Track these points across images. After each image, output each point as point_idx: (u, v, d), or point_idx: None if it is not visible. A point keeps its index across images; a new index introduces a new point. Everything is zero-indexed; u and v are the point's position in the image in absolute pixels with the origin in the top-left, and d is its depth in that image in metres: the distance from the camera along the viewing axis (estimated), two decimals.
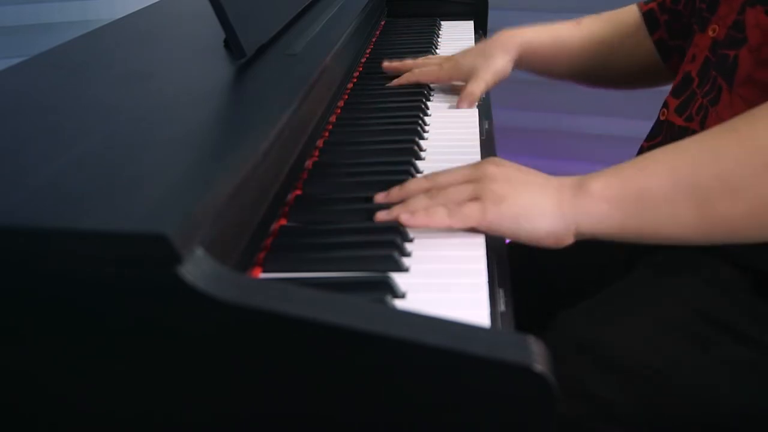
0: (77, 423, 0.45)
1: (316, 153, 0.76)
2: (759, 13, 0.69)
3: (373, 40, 1.21)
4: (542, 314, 0.70)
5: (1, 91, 0.68)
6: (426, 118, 0.87)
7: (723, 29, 0.73)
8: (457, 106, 0.92)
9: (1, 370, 0.45)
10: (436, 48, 1.19)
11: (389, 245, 0.57)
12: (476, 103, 0.93)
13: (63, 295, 0.42)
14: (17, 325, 0.43)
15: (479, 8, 1.38)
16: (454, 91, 0.99)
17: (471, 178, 0.61)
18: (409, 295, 0.52)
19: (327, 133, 0.81)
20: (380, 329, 0.41)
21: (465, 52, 0.99)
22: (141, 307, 0.42)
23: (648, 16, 0.93)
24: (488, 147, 0.80)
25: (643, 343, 0.64)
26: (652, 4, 0.93)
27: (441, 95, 0.97)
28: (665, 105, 0.81)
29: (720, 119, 0.71)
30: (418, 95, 0.93)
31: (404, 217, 0.60)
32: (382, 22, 1.35)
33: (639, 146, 0.85)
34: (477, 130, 0.84)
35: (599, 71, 1.01)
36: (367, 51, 1.15)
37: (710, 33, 0.75)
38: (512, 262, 0.60)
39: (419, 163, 0.73)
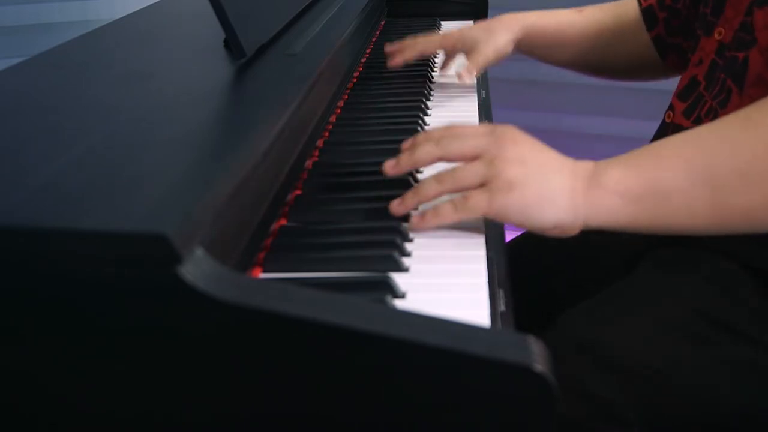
0: (77, 423, 0.45)
1: (316, 153, 0.76)
2: (767, 13, 0.69)
3: (373, 40, 1.21)
4: (542, 314, 0.71)
5: (1, 91, 0.68)
6: (426, 118, 0.87)
7: (730, 32, 0.73)
8: (457, 75, 0.92)
9: (1, 370, 0.45)
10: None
11: (389, 245, 0.57)
12: (475, 75, 0.93)
13: (63, 295, 0.42)
14: (17, 325, 0.43)
15: (479, 8, 1.38)
16: (454, 91, 0.99)
17: (484, 151, 0.59)
18: (409, 295, 0.52)
19: (327, 133, 0.81)
20: (380, 329, 0.41)
21: (471, 26, 1.00)
22: (141, 307, 0.42)
23: (647, 13, 0.93)
24: None
25: (643, 342, 0.64)
26: (652, 1, 0.93)
27: (441, 95, 0.97)
28: (671, 108, 0.80)
29: None
30: (418, 95, 0.93)
31: (414, 222, 0.60)
32: (382, 22, 1.35)
33: (639, 147, 0.85)
34: None
35: (598, 61, 1.01)
36: (367, 51, 1.15)
37: (716, 36, 0.75)
38: (512, 262, 0.60)
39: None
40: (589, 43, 0.99)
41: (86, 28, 0.92)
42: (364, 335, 0.41)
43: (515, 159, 0.58)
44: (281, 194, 0.63)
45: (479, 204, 0.57)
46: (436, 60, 1.12)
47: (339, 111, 0.89)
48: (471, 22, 1.36)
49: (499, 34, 0.96)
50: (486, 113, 0.91)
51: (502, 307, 0.52)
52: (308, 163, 0.73)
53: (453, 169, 0.60)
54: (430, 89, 0.98)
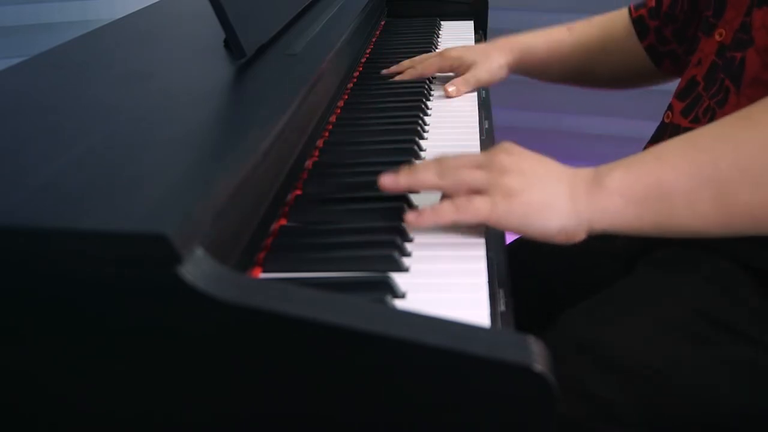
0: (77, 423, 0.45)
1: (316, 153, 0.76)
2: (766, 13, 0.69)
3: (373, 40, 1.21)
4: (542, 314, 0.71)
5: (1, 91, 0.68)
6: (426, 118, 0.87)
7: (730, 33, 0.73)
8: (444, 89, 0.96)
9: (1, 370, 0.45)
10: (436, 48, 1.19)
11: (389, 245, 0.57)
12: (462, 93, 0.97)
13: (63, 295, 0.42)
14: (17, 325, 0.43)
15: (479, 8, 1.38)
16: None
17: (482, 164, 0.59)
18: (409, 295, 0.52)
19: (327, 133, 0.81)
20: (380, 329, 0.41)
21: (469, 48, 1.02)
22: (141, 307, 0.42)
23: (637, 23, 0.94)
24: (488, 147, 0.80)
25: (643, 342, 0.64)
26: (642, 11, 0.94)
27: (441, 95, 0.97)
28: (670, 108, 0.81)
29: None
30: (418, 95, 0.93)
31: (411, 218, 0.59)
32: (382, 22, 1.35)
33: (640, 147, 0.85)
34: (477, 130, 0.84)
35: (591, 75, 1.03)
36: (367, 51, 1.15)
37: (717, 37, 0.75)
38: (512, 262, 0.60)
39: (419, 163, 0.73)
40: (579, 59, 1.00)
41: (86, 28, 0.92)
42: (364, 335, 0.41)
43: (514, 169, 0.58)
44: (281, 194, 0.63)
45: (481, 209, 0.57)
46: None
47: (339, 111, 0.89)
48: (471, 23, 1.37)
49: (493, 58, 0.99)
50: (486, 113, 0.91)
51: (502, 307, 0.52)
52: (308, 163, 0.73)
53: (453, 167, 0.60)
54: (430, 89, 0.98)
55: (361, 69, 1.05)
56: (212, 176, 0.48)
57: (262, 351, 0.42)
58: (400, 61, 1.07)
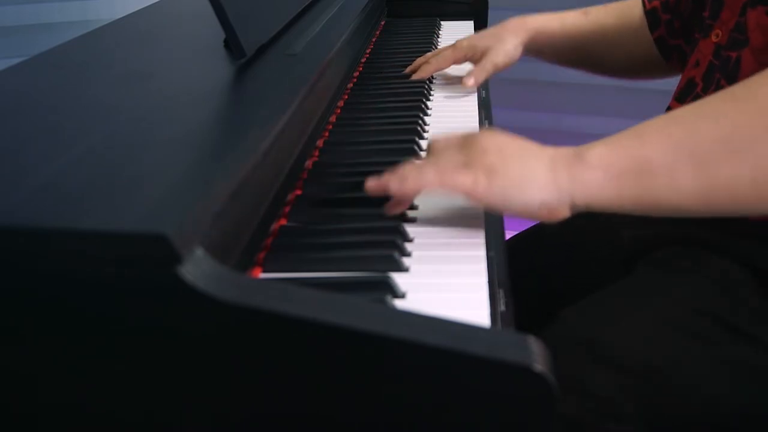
0: (77, 423, 0.45)
1: (316, 153, 0.76)
2: (760, 14, 0.69)
3: (373, 40, 1.21)
4: (542, 314, 0.70)
5: (1, 91, 0.68)
6: (426, 118, 0.88)
7: (725, 33, 0.74)
8: (463, 82, 0.95)
9: (1, 370, 0.45)
10: (436, 48, 1.19)
11: (389, 245, 0.57)
12: (482, 81, 0.96)
13: (63, 295, 0.42)
14: (17, 325, 0.43)
15: (479, 8, 1.38)
16: (454, 91, 0.99)
17: (463, 146, 0.60)
18: (409, 295, 0.52)
19: (327, 133, 0.81)
20: (380, 329, 0.41)
21: (480, 34, 1.02)
22: (141, 307, 0.42)
23: (650, 15, 0.94)
24: None
25: (643, 342, 0.64)
26: (656, 2, 0.93)
27: (441, 95, 0.97)
28: (668, 110, 0.81)
29: None
30: (418, 95, 0.93)
31: (394, 185, 0.59)
32: (382, 22, 1.35)
33: None
34: (477, 129, 0.84)
35: (603, 61, 1.02)
36: (367, 51, 1.15)
37: (713, 38, 0.75)
38: (512, 261, 0.60)
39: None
40: (593, 44, 1.00)
41: (86, 28, 0.92)
42: (364, 335, 0.41)
43: (493, 148, 0.59)
44: (281, 194, 0.63)
45: (465, 182, 0.57)
46: None
47: (339, 111, 0.89)
48: (471, 23, 1.37)
49: (507, 40, 0.99)
50: (486, 113, 0.91)
51: (502, 307, 0.52)
52: (308, 163, 0.73)
53: (434, 157, 0.60)
54: (430, 89, 0.98)
55: (361, 69, 1.05)
56: (212, 176, 0.48)
57: (262, 351, 0.42)
58: (400, 61, 1.07)
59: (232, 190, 0.49)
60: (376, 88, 0.97)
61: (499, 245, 0.60)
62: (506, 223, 0.65)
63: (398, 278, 0.53)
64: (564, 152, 0.58)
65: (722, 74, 0.72)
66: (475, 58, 1.00)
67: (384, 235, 0.59)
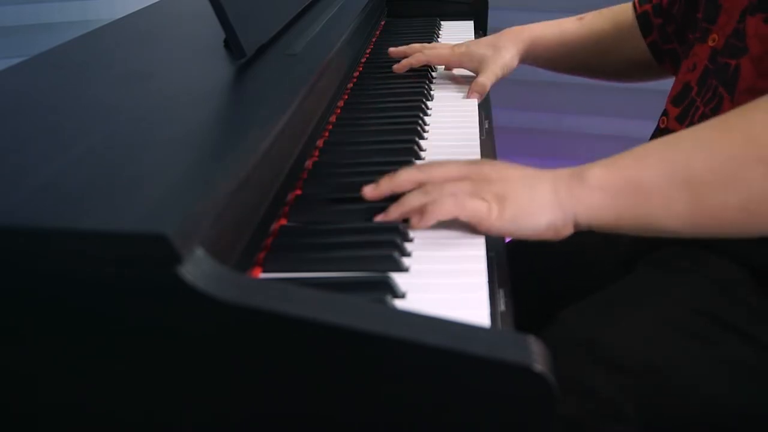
0: (77, 423, 0.45)
1: (316, 153, 0.76)
2: (759, 21, 0.69)
3: (373, 40, 1.21)
4: (542, 314, 0.70)
5: (1, 91, 0.68)
6: (426, 118, 0.87)
7: (722, 38, 0.74)
8: (468, 96, 0.95)
9: (1, 370, 0.45)
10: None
11: (389, 245, 0.57)
12: (484, 95, 0.96)
13: (63, 295, 0.42)
14: (17, 325, 0.43)
15: (479, 8, 1.38)
16: (454, 91, 0.99)
17: (467, 175, 0.60)
18: (409, 295, 0.52)
19: (327, 133, 0.81)
20: (380, 329, 0.41)
21: (476, 42, 1.02)
22: (141, 307, 0.42)
23: (642, 19, 0.94)
24: (488, 147, 0.80)
25: (643, 342, 0.64)
26: (647, 6, 0.94)
27: (441, 95, 0.97)
28: (665, 113, 0.81)
29: None
30: (418, 95, 0.93)
31: (414, 221, 0.60)
32: (382, 22, 1.35)
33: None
34: (477, 129, 0.84)
35: (598, 65, 1.03)
36: (367, 51, 1.15)
37: (710, 43, 0.75)
38: (512, 262, 0.60)
39: (419, 163, 0.73)
40: (589, 50, 1.01)
41: (86, 28, 0.92)
42: (364, 335, 0.41)
43: (497, 177, 0.60)
44: (281, 194, 0.63)
45: (479, 209, 0.58)
46: None
47: (339, 111, 0.89)
48: (471, 23, 1.36)
49: (504, 49, 0.99)
50: (486, 113, 0.91)
51: (502, 307, 0.52)
52: (308, 163, 0.73)
53: (437, 182, 0.60)
54: (430, 89, 0.98)
55: (361, 69, 1.05)
56: (212, 176, 0.48)
57: (262, 351, 0.42)
58: (400, 61, 1.07)
59: (232, 190, 0.49)
60: (376, 88, 0.97)
61: (499, 245, 0.60)
62: None
63: (398, 278, 0.53)
64: (564, 173, 0.60)
65: (719, 81, 0.72)
66: (470, 66, 1.00)
67: (384, 235, 0.59)
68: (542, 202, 0.58)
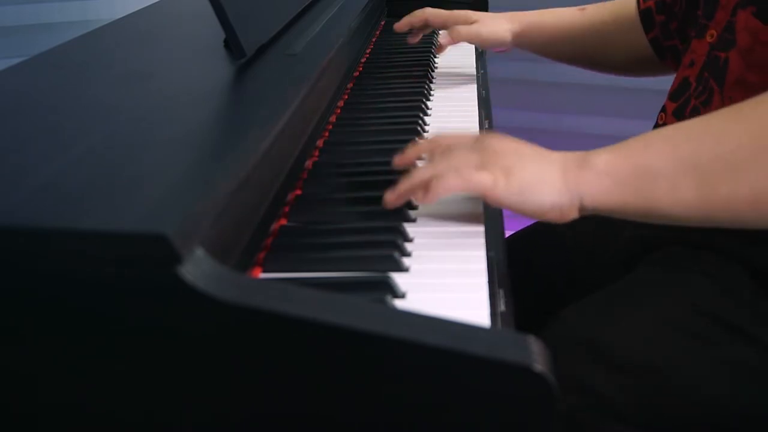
0: (77, 423, 0.45)
1: (316, 153, 0.76)
2: (748, 14, 0.69)
3: (373, 40, 1.21)
4: (542, 314, 0.70)
5: (1, 91, 0.68)
6: (426, 118, 0.88)
7: (718, 33, 0.74)
8: (440, 40, 1.02)
9: (1, 370, 0.45)
10: (436, 48, 1.19)
11: (389, 245, 0.57)
12: (456, 42, 1.02)
13: (63, 295, 0.42)
14: (17, 325, 0.43)
15: (479, 8, 1.38)
16: (454, 91, 0.99)
17: (474, 148, 0.60)
18: (409, 295, 0.52)
19: (327, 133, 0.81)
20: (380, 329, 0.41)
21: (476, 12, 1.06)
22: (141, 307, 0.42)
23: (644, 15, 0.94)
24: None
25: (644, 342, 0.64)
26: (650, 3, 0.93)
27: (441, 95, 0.97)
28: (663, 109, 0.81)
29: None
30: (418, 95, 0.93)
31: (419, 196, 0.60)
32: (382, 22, 1.35)
33: None
34: (477, 130, 0.85)
35: (597, 58, 1.04)
36: (367, 51, 1.15)
37: (708, 38, 0.76)
38: (511, 260, 0.60)
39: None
40: (589, 41, 1.01)
41: (86, 28, 0.92)
42: (364, 335, 0.41)
43: (506, 151, 0.60)
44: (281, 194, 0.63)
45: (484, 181, 0.58)
46: (436, 61, 1.12)
47: (339, 111, 0.89)
48: None
49: (500, 22, 1.03)
50: (486, 113, 0.91)
51: (502, 307, 0.52)
52: (308, 163, 0.73)
53: (448, 155, 0.60)
54: (430, 89, 0.98)
55: (361, 69, 1.05)
56: (212, 176, 0.48)
57: (262, 351, 0.42)
58: (400, 61, 1.07)
59: (232, 190, 0.49)
60: (376, 88, 0.97)
61: (499, 245, 0.60)
62: (505, 222, 0.66)
63: (398, 278, 0.53)
64: (573, 156, 0.60)
65: (710, 74, 0.72)
66: (465, 25, 1.03)
67: (384, 235, 0.59)
68: (549, 180, 0.58)
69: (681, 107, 0.77)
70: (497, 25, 1.02)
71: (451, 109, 0.92)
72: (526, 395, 0.41)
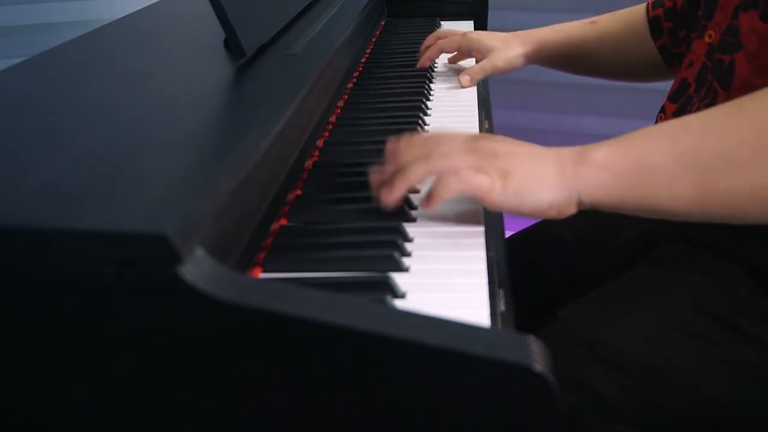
0: (77, 423, 0.45)
1: (316, 153, 0.76)
2: (753, 17, 0.69)
3: (373, 40, 1.21)
4: (542, 314, 0.70)
5: (1, 91, 0.68)
6: (426, 118, 0.88)
7: (718, 34, 0.74)
8: (459, 77, 0.99)
9: (1, 370, 0.45)
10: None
11: (389, 245, 0.57)
12: (477, 81, 0.99)
13: (63, 295, 0.42)
14: (17, 325, 0.43)
15: (479, 8, 1.38)
16: (454, 91, 0.99)
17: (469, 149, 0.60)
18: (409, 295, 0.52)
19: (327, 133, 0.81)
20: (380, 329, 0.41)
21: (489, 34, 1.05)
22: (141, 307, 0.42)
23: (653, 23, 0.95)
24: None
25: (643, 341, 0.64)
26: (659, 10, 0.94)
27: (441, 95, 0.97)
28: (662, 110, 0.81)
29: None
30: (418, 95, 0.93)
31: (423, 205, 0.60)
32: (382, 22, 1.35)
33: None
34: (477, 130, 0.85)
35: (607, 67, 1.05)
36: (367, 51, 1.15)
37: (707, 39, 0.76)
38: (511, 260, 0.60)
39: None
40: (599, 53, 1.02)
41: (86, 28, 0.92)
42: (364, 335, 0.41)
43: (501, 152, 0.59)
44: (281, 194, 0.63)
45: (483, 184, 0.57)
46: (436, 61, 1.12)
47: (339, 111, 0.89)
48: (471, 23, 1.37)
49: (513, 47, 1.02)
50: (486, 113, 0.91)
51: (502, 307, 0.52)
52: (308, 163, 0.73)
53: (444, 155, 0.60)
54: (430, 89, 0.98)
55: (361, 69, 1.05)
56: (212, 176, 0.48)
57: (262, 351, 0.42)
58: (400, 61, 1.07)
59: (232, 190, 0.49)
60: (376, 88, 0.97)
61: (499, 245, 0.60)
62: (506, 222, 0.66)
63: (398, 278, 0.53)
64: (570, 151, 0.59)
65: (714, 77, 0.72)
66: (478, 55, 1.03)
67: (384, 235, 0.59)
68: (546, 179, 0.58)
69: (681, 108, 0.77)
70: (510, 51, 1.01)
71: (451, 109, 0.92)
72: (526, 395, 0.41)
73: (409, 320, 0.42)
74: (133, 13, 1.01)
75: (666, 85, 0.88)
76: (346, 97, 0.94)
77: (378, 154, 0.76)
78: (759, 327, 0.65)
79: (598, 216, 0.62)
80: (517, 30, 1.05)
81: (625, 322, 0.66)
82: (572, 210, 0.59)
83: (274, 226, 0.61)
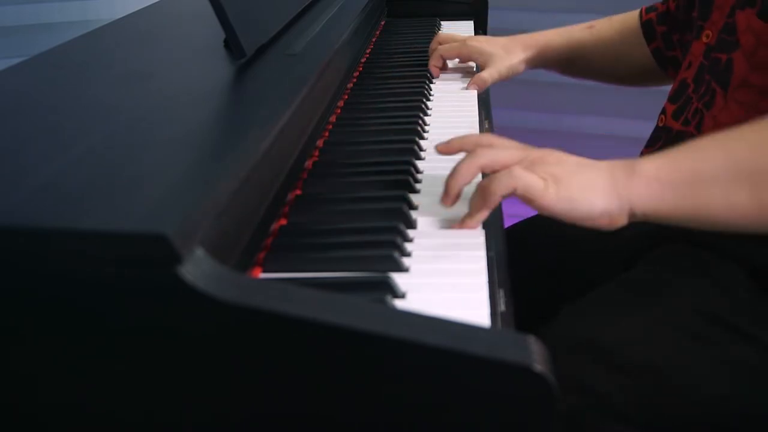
0: (77, 423, 0.45)
1: (316, 153, 0.76)
2: (750, 16, 0.69)
3: (373, 40, 1.21)
4: (542, 313, 0.71)
5: (1, 91, 0.68)
6: (426, 118, 0.87)
7: (715, 34, 0.74)
8: (467, 87, 0.98)
9: (1, 370, 0.45)
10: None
11: (389, 245, 0.57)
12: (482, 90, 0.99)
13: (63, 295, 0.42)
14: (17, 325, 0.43)
15: (479, 8, 1.38)
16: (454, 91, 0.99)
17: (525, 156, 0.60)
18: (409, 295, 0.52)
19: (327, 133, 0.81)
20: (380, 329, 0.41)
21: (490, 40, 1.05)
22: (141, 307, 0.42)
23: (646, 27, 0.96)
24: None
25: (643, 341, 0.64)
26: (652, 14, 0.95)
27: (441, 95, 0.97)
28: (663, 111, 0.81)
29: (716, 123, 0.72)
30: (418, 95, 0.93)
31: (479, 205, 0.59)
32: (382, 22, 1.35)
33: (640, 147, 0.85)
34: (477, 130, 0.84)
35: (607, 72, 1.06)
36: (367, 51, 1.15)
37: (704, 39, 0.76)
38: (512, 262, 0.60)
39: (419, 163, 0.73)
40: (598, 57, 1.03)
41: (86, 28, 0.92)
42: (364, 335, 0.41)
43: (552, 160, 0.59)
44: (281, 194, 0.63)
45: (536, 184, 0.57)
46: None
47: (339, 111, 0.89)
48: (471, 23, 1.36)
49: (514, 54, 1.02)
50: (486, 113, 0.91)
51: (502, 307, 0.52)
52: (308, 163, 0.73)
53: (494, 151, 0.60)
54: (430, 89, 0.98)
55: (361, 69, 1.05)
56: (212, 176, 0.48)
57: (262, 351, 0.42)
58: (400, 61, 1.07)
59: (232, 190, 0.49)
60: (376, 88, 0.97)
61: (499, 245, 0.60)
62: (506, 222, 0.66)
63: (398, 278, 0.53)
64: (620, 163, 0.59)
65: (712, 76, 0.73)
66: (479, 61, 1.02)
67: (384, 235, 0.59)
68: (600, 187, 0.58)
69: (680, 108, 0.77)
70: (513, 58, 1.02)
71: (451, 109, 0.92)
72: (526, 395, 0.41)
73: (409, 320, 0.42)
74: (133, 13, 1.01)
75: (666, 86, 0.88)
76: (346, 97, 0.94)
77: (378, 154, 0.76)
78: (759, 327, 0.65)
79: None
80: (516, 30, 1.05)
81: (625, 322, 0.66)
82: (623, 221, 0.58)
83: (274, 226, 0.61)
